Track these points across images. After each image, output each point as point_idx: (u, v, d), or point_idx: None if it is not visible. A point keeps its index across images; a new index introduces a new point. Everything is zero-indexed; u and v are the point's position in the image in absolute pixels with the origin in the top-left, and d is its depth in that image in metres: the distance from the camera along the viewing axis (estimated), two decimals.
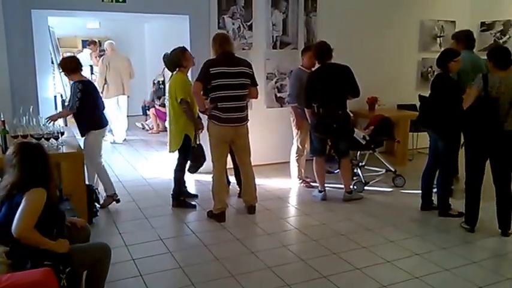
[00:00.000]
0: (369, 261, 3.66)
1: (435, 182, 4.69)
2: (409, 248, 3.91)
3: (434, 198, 4.74)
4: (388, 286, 3.26)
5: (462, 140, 4.32)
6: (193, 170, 5.07)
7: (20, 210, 2.45)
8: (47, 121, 4.43)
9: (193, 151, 4.85)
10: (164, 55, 4.94)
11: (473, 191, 4.17)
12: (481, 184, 4.16)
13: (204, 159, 5.03)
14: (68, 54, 10.29)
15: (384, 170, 5.78)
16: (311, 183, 5.60)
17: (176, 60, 4.69)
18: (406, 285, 3.29)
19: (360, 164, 5.71)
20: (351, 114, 6.26)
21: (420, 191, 4.81)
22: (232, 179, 5.27)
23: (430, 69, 7.42)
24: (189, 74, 5.01)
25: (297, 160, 5.62)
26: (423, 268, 3.55)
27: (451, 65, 4.39)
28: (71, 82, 4.71)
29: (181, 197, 4.96)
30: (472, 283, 3.30)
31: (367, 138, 5.50)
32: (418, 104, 4.88)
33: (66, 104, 5.32)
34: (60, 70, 4.87)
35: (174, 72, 4.75)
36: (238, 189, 5.10)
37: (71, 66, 4.63)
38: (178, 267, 3.56)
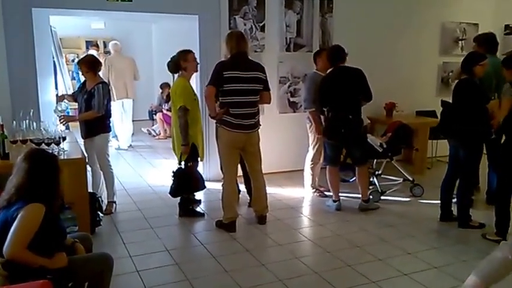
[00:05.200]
0: (384, 274, 3.69)
1: (455, 192, 4.71)
2: (427, 260, 3.93)
3: (454, 208, 4.76)
4: None
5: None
6: (176, 193, 4.86)
7: (13, 229, 2.42)
8: (60, 117, 4.67)
9: (180, 174, 4.77)
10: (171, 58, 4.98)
11: (506, 201, 4.20)
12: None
13: (197, 187, 4.95)
14: (71, 55, 10.55)
15: (401, 179, 5.79)
16: (325, 193, 5.64)
17: (177, 60, 4.70)
18: None
19: (377, 172, 5.73)
20: (368, 121, 6.35)
21: (439, 201, 4.84)
22: (242, 187, 5.32)
23: (451, 73, 7.41)
24: (192, 80, 5.02)
25: (312, 168, 5.65)
26: (442, 282, 3.58)
27: (476, 69, 4.40)
28: (96, 84, 4.78)
29: (189, 206, 5.02)
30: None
31: (384, 145, 5.53)
32: (438, 110, 4.91)
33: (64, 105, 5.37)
34: (81, 68, 4.91)
35: (176, 75, 4.80)
36: (249, 198, 5.15)
37: (97, 65, 4.85)
38: (185, 279, 3.61)
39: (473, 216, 4.67)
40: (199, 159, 4.93)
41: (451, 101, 4.62)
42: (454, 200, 4.75)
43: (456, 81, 4.68)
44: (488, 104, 4.41)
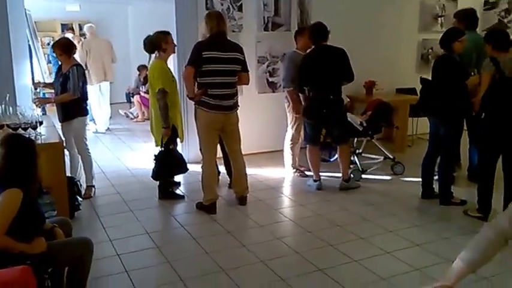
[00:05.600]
0: (367, 252, 3.67)
1: (436, 169, 4.70)
2: (409, 238, 3.92)
3: (436, 186, 4.75)
4: (387, 279, 3.27)
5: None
6: (158, 176, 4.82)
7: None
8: (34, 100, 4.65)
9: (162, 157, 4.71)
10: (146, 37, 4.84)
11: (488, 178, 4.19)
12: (495, 171, 4.19)
13: (180, 169, 4.89)
14: (47, 38, 10.29)
15: (382, 158, 5.78)
16: (305, 172, 5.59)
17: (156, 41, 4.58)
18: (406, 278, 3.30)
19: (357, 151, 5.70)
20: (348, 100, 6.31)
21: (420, 179, 4.82)
22: (222, 169, 5.23)
23: (430, 50, 7.40)
24: (169, 62, 4.93)
25: (291, 148, 5.60)
26: (424, 259, 3.56)
27: (455, 45, 4.37)
28: (70, 66, 4.68)
29: (169, 188, 4.94)
30: (476, 274, 3.30)
31: (364, 124, 5.50)
32: (418, 87, 4.88)
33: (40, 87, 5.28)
34: (55, 51, 4.82)
35: (153, 56, 4.68)
36: (229, 179, 5.08)
37: (72, 48, 4.77)
38: (165, 262, 3.55)
39: (454, 193, 4.67)
40: (178, 140, 4.84)
41: (430, 78, 4.59)
42: (436, 177, 4.74)
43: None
44: (467, 80, 4.39)
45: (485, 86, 4.13)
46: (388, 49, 7.17)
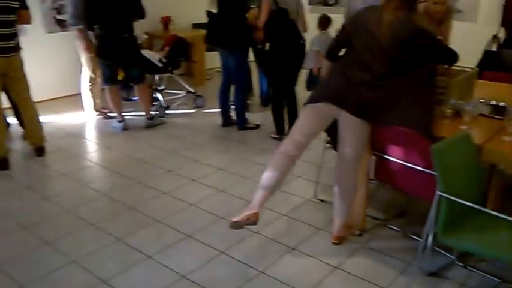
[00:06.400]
0: (175, 183, 3.77)
1: (233, 99, 4.96)
2: (213, 164, 4.14)
3: (233, 114, 5.03)
4: (194, 204, 3.43)
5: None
6: None
7: None
8: None
9: None
10: None
11: (279, 103, 4.60)
12: (284, 96, 4.60)
13: None
14: None
15: (184, 92, 5.88)
16: (109, 114, 5.39)
17: None
18: (212, 200, 3.51)
19: (160, 88, 5.68)
20: (146, 36, 6.15)
21: (219, 109, 5.06)
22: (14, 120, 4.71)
23: None
24: None
25: (90, 90, 5.31)
26: (228, 180, 3.82)
27: None
28: None
29: None
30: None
31: (164, 60, 5.46)
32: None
33: None
34: None
35: None
36: (22, 130, 4.62)
37: None
38: None
39: (250, 119, 5.02)
40: None
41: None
42: (234, 106, 5.00)
43: None
44: (248, 12, 4.58)
45: (265, 13, 4.36)
46: None
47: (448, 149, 2.30)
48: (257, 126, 4.96)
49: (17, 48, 4.01)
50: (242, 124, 4.95)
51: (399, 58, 2.50)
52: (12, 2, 3.87)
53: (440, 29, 3.62)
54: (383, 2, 2.54)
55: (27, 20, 4.13)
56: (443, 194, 2.24)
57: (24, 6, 4.01)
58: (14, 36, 3.97)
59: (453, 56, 2.65)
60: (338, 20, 4.09)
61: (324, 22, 5.28)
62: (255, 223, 2.69)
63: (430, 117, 2.57)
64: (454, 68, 3.00)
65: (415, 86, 2.58)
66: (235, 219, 2.67)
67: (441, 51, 2.65)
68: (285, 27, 4.33)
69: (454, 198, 2.22)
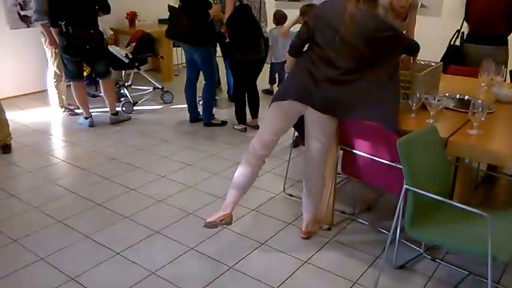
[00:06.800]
0: (143, 180, 3.75)
1: (200, 95, 4.95)
2: (182, 160, 4.13)
3: (201, 110, 5.02)
4: (163, 200, 3.42)
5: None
6: None
7: None
8: None
9: None
10: None
11: (241, 96, 4.73)
12: (246, 88, 4.70)
13: None
14: None
15: (151, 88, 5.83)
16: (75, 111, 5.30)
17: None
18: (180, 195, 3.51)
19: (126, 84, 5.62)
20: (112, 32, 6.06)
21: (187, 105, 5.04)
22: None
23: None
24: None
25: (56, 86, 5.20)
26: (196, 176, 3.82)
27: None
28: None
29: None
30: None
31: (130, 56, 5.40)
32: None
33: None
34: None
35: None
36: None
37: None
38: None
39: (217, 115, 5.03)
40: None
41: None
42: (201, 102, 4.99)
43: None
44: (211, 8, 4.54)
45: (228, 8, 4.36)
46: None
47: (414, 143, 2.30)
48: (224, 123, 4.97)
49: None
50: (208, 120, 4.95)
51: (363, 52, 2.50)
52: None
53: (405, 24, 3.72)
54: None
55: None
56: (410, 188, 2.22)
57: None
58: None
59: (415, 47, 2.74)
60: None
61: (280, 18, 5.62)
62: (229, 223, 2.69)
63: (396, 111, 2.59)
64: (418, 62, 3.08)
65: (381, 81, 2.60)
66: (209, 219, 2.66)
67: (405, 43, 2.68)
68: (249, 23, 4.36)
69: (420, 191, 2.20)
